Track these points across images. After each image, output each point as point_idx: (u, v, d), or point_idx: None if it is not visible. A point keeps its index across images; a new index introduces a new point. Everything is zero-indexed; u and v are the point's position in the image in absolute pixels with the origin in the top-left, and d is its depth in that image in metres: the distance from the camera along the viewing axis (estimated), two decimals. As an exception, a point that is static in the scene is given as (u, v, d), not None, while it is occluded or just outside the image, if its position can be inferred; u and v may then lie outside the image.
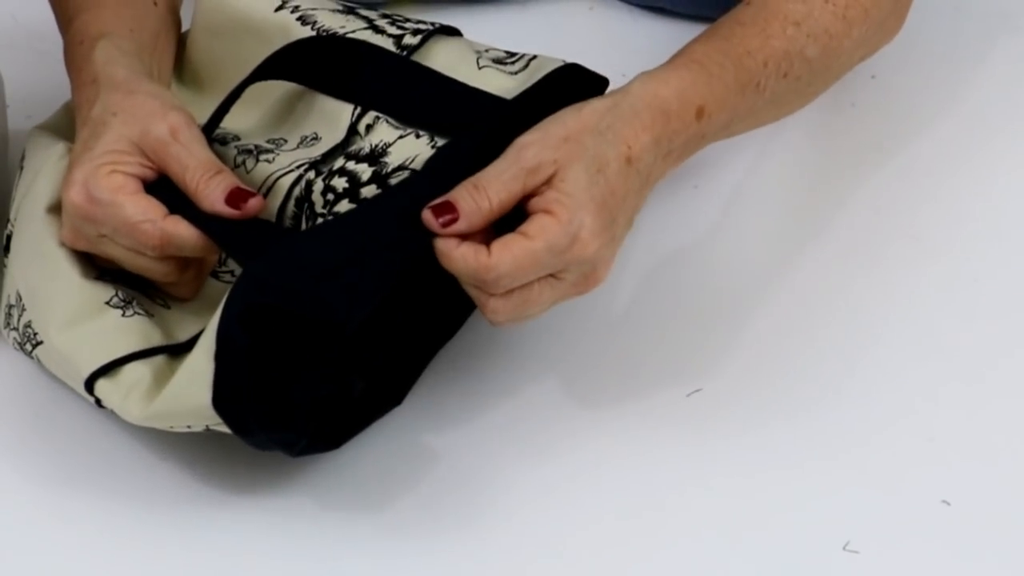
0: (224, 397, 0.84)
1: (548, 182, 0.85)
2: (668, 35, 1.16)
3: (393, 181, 0.89)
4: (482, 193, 0.85)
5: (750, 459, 0.92)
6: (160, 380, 0.87)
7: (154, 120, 0.88)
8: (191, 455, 0.92)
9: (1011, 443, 0.93)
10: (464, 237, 0.84)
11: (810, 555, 0.88)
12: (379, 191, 0.88)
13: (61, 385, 0.93)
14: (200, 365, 0.84)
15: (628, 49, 1.14)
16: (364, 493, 0.91)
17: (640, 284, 1.01)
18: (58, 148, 0.93)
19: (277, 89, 0.97)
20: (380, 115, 0.93)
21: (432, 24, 0.97)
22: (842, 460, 0.92)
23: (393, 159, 0.90)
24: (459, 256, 0.84)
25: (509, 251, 0.84)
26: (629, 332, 0.98)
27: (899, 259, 1.02)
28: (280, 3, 0.98)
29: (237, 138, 0.95)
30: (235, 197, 0.87)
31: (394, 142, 0.91)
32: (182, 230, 0.87)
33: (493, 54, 0.96)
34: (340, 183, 0.90)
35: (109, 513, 0.90)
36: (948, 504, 0.90)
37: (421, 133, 0.92)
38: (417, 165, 0.90)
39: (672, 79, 0.90)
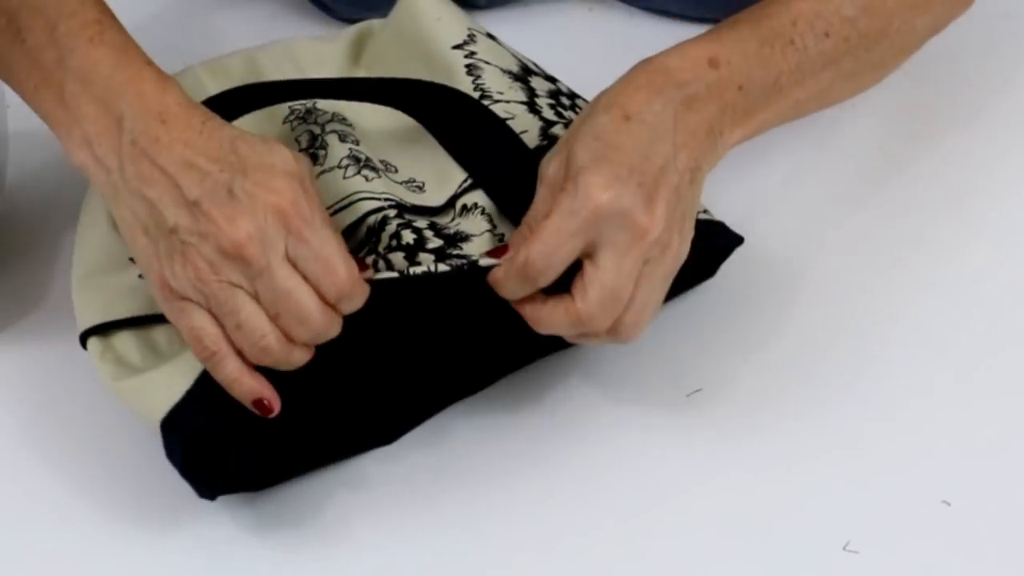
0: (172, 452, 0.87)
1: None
2: (668, 36, 1.15)
3: (443, 266, 0.87)
4: (523, 225, 0.86)
5: (750, 459, 0.92)
6: (146, 357, 0.88)
7: (300, 156, 0.84)
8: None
9: (1011, 443, 0.93)
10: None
11: (810, 555, 0.88)
12: (420, 267, 0.88)
13: (61, 385, 0.93)
14: (163, 379, 0.86)
15: (627, 50, 1.13)
16: (363, 492, 0.91)
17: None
18: None
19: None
20: (480, 205, 0.92)
21: None
22: (842, 460, 0.92)
23: (463, 250, 0.89)
24: (500, 272, 0.85)
25: (533, 235, 0.84)
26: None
27: (899, 259, 1.02)
28: (463, 40, 0.98)
29: (357, 142, 0.94)
30: (356, 262, 0.85)
31: (478, 234, 0.91)
32: (363, 286, 0.84)
33: None
34: (408, 236, 0.89)
35: (109, 511, 0.90)
36: (948, 504, 0.90)
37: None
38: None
39: (672, 49, 0.89)
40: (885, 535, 0.89)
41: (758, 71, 0.90)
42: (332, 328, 0.83)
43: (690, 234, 0.88)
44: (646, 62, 0.89)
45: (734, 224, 0.98)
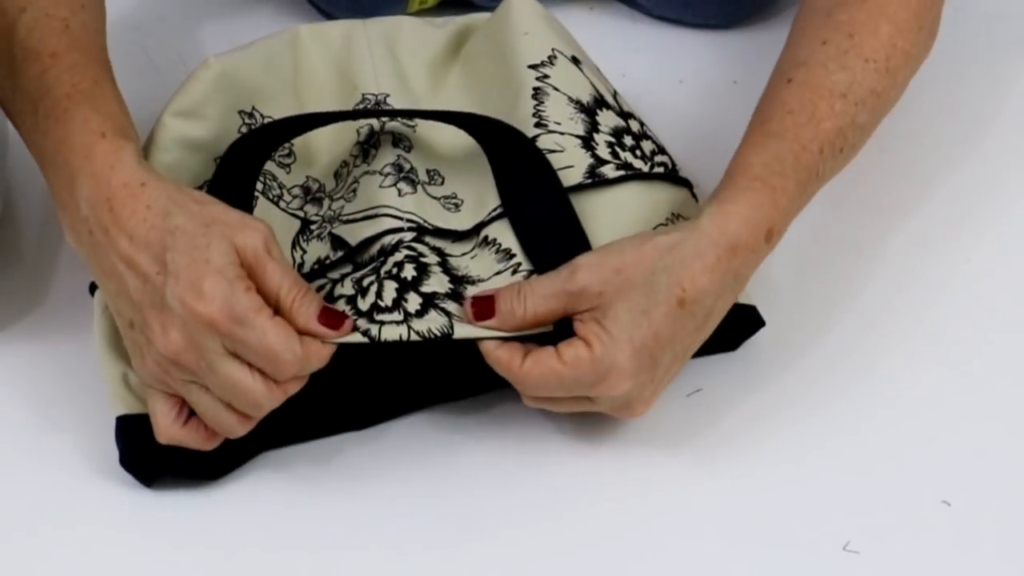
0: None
1: (592, 310, 0.86)
2: (668, 36, 1.17)
3: (415, 335, 0.88)
4: (521, 301, 0.86)
5: (750, 459, 0.92)
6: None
7: (247, 232, 0.84)
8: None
9: (1011, 443, 0.93)
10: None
11: (810, 555, 0.88)
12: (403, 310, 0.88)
13: (61, 385, 0.93)
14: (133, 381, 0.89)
15: (628, 50, 1.14)
16: (363, 492, 0.91)
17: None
18: None
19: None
20: (499, 241, 0.91)
21: (654, 164, 0.95)
22: (842, 460, 0.92)
23: (466, 292, 0.89)
24: (495, 358, 0.87)
25: (539, 367, 0.86)
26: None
27: (900, 260, 1.02)
28: (541, 61, 0.97)
29: (409, 148, 0.95)
30: (329, 317, 0.85)
31: (485, 279, 0.90)
32: (320, 350, 0.85)
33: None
34: (409, 271, 0.89)
35: (109, 511, 0.90)
36: (948, 504, 0.90)
37: (519, 272, 0.91)
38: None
39: (740, 209, 0.88)
40: (885, 535, 0.89)
41: (788, 226, 0.91)
42: (289, 392, 0.85)
43: (654, 397, 0.89)
44: (720, 226, 0.87)
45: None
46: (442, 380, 0.93)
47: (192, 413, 0.87)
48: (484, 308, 0.87)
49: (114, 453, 0.90)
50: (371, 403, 0.93)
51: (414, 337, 0.87)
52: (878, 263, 1.02)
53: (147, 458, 0.89)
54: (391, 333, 0.87)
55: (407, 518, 0.90)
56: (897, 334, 0.98)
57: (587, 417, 0.93)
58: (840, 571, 0.87)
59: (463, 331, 0.87)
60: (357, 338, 0.86)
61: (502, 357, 0.87)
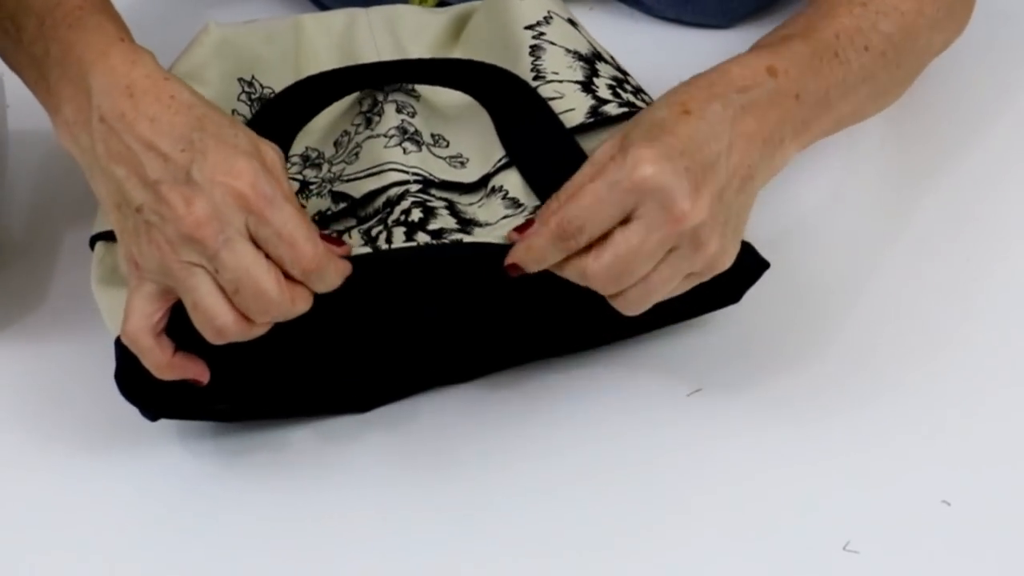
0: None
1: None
2: (668, 36, 1.17)
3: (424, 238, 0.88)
4: (553, 197, 0.86)
5: (750, 459, 0.92)
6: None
7: (267, 144, 0.85)
8: (193, 452, 0.92)
9: (1011, 443, 0.93)
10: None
11: (810, 555, 0.88)
12: (416, 244, 0.88)
13: (61, 385, 0.93)
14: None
15: (628, 50, 1.14)
16: (363, 491, 0.91)
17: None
18: None
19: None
20: (506, 188, 0.92)
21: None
22: (842, 460, 0.92)
23: (471, 236, 0.89)
24: (534, 235, 0.85)
25: (574, 198, 0.84)
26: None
27: (899, 259, 1.02)
28: (537, 21, 0.98)
29: (413, 114, 0.95)
30: (330, 239, 0.85)
31: (492, 223, 0.91)
32: (337, 259, 0.84)
33: None
34: (416, 214, 0.89)
35: (109, 511, 0.90)
36: (948, 504, 0.90)
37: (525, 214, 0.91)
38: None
39: (730, 59, 0.90)
40: (885, 535, 0.89)
41: (812, 82, 0.91)
42: (296, 305, 0.83)
43: (734, 245, 0.87)
44: (706, 71, 0.89)
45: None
46: (445, 357, 0.93)
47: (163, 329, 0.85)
48: (525, 227, 0.87)
49: (114, 453, 0.90)
50: (373, 382, 0.93)
51: (424, 239, 0.86)
52: (878, 263, 1.02)
53: (147, 377, 0.87)
54: (397, 245, 0.87)
55: (404, 511, 0.90)
56: (897, 334, 0.98)
57: (587, 415, 0.93)
58: (840, 571, 0.87)
59: (473, 238, 0.87)
60: (362, 250, 0.86)
61: (534, 227, 0.85)
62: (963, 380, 0.96)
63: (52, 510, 0.90)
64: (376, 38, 0.99)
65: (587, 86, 0.95)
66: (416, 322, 0.92)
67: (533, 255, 0.85)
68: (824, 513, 0.90)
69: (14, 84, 1.00)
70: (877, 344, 0.98)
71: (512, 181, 0.92)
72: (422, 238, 0.88)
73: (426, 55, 1.00)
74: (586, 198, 0.83)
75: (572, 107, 0.94)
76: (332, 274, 0.84)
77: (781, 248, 0.94)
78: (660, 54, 1.15)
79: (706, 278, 0.87)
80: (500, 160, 0.93)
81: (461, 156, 0.94)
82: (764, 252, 0.93)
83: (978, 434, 0.93)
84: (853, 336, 0.98)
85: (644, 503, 0.90)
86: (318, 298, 0.84)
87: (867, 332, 0.98)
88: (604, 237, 0.84)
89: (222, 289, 0.83)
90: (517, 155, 0.93)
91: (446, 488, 0.91)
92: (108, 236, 0.91)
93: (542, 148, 0.93)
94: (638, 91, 0.98)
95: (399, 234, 0.88)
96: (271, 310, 0.83)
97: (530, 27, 0.98)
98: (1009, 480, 0.91)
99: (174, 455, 0.92)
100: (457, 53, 1.01)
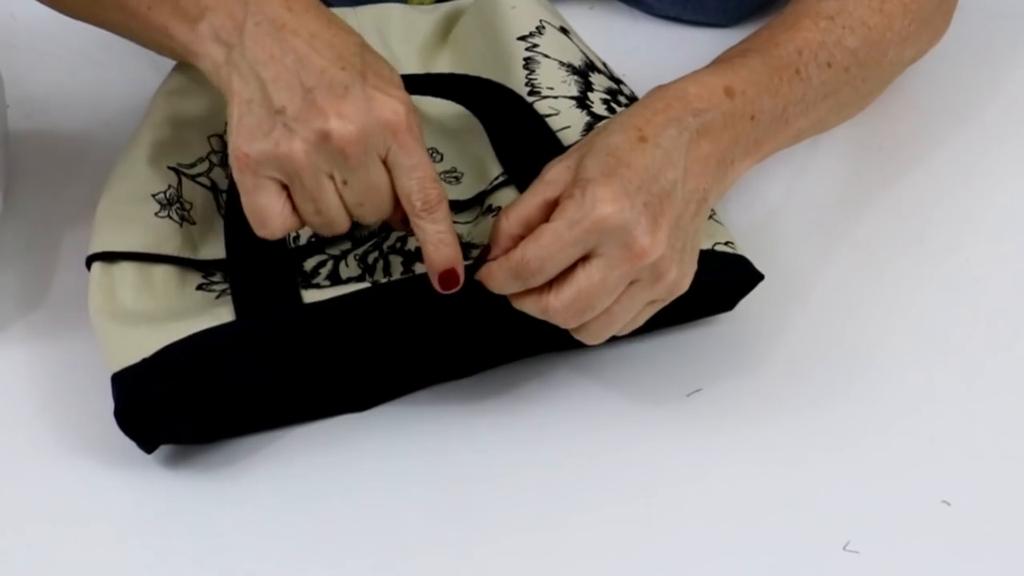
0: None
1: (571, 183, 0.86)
2: (668, 35, 1.17)
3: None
4: (500, 216, 0.86)
5: (750, 459, 0.92)
6: (139, 295, 0.90)
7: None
8: (192, 452, 0.92)
9: (1011, 443, 0.93)
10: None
11: (810, 555, 0.88)
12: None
13: (61, 385, 0.93)
14: (133, 338, 0.87)
15: (628, 49, 1.14)
16: (362, 492, 0.91)
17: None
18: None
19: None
20: (500, 207, 0.92)
21: None
22: (842, 460, 0.92)
23: (468, 260, 0.89)
24: (494, 266, 0.86)
25: (533, 237, 0.85)
26: (629, 332, 0.98)
27: (900, 259, 1.02)
28: (530, 31, 0.98)
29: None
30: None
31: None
32: (448, 217, 0.86)
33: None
34: (412, 243, 0.90)
35: (109, 511, 0.90)
36: (948, 504, 0.90)
37: None
38: None
39: (689, 76, 0.90)
40: (885, 535, 0.89)
41: (768, 101, 0.91)
42: (397, 228, 0.87)
43: (691, 268, 0.88)
44: (663, 88, 0.89)
45: (732, 224, 0.98)
46: (444, 355, 0.93)
47: None
48: (485, 252, 0.87)
49: (114, 453, 0.90)
50: (371, 382, 0.93)
51: (421, 269, 0.87)
52: (878, 263, 1.02)
53: (146, 414, 0.88)
54: (397, 271, 0.88)
55: (404, 511, 0.90)
56: (897, 334, 0.98)
57: (587, 415, 0.93)
58: (840, 571, 0.87)
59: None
60: (364, 285, 0.87)
61: (498, 262, 0.86)
62: (963, 380, 0.96)
63: (52, 510, 0.90)
64: (365, 39, 0.99)
65: (582, 102, 0.95)
66: (415, 337, 0.92)
67: (493, 284, 0.86)
68: (824, 513, 0.90)
69: (14, 84, 1.00)
70: (877, 344, 0.98)
71: (508, 200, 0.92)
72: (420, 268, 0.88)
73: (414, 57, 1.00)
74: (545, 237, 0.84)
75: (568, 124, 0.95)
76: (442, 219, 0.85)
77: (781, 248, 0.94)
78: (660, 53, 1.15)
79: (667, 303, 0.89)
80: (497, 178, 0.93)
81: (456, 171, 0.94)
82: (764, 253, 0.93)
83: (978, 434, 0.93)
84: (853, 336, 0.98)
85: (644, 503, 0.90)
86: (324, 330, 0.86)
87: (867, 332, 0.98)
88: (565, 273, 0.85)
89: (340, 196, 0.84)
90: (515, 174, 0.93)
91: (446, 488, 0.91)
92: (106, 257, 0.91)
93: (540, 168, 0.93)
94: (632, 100, 0.98)
95: (396, 264, 0.88)
96: (380, 220, 0.86)
97: (523, 38, 0.98)
98: (1009, 480, 0.91)
99: (173, 455, 0.92)
100: (445, 54, 1.01)
